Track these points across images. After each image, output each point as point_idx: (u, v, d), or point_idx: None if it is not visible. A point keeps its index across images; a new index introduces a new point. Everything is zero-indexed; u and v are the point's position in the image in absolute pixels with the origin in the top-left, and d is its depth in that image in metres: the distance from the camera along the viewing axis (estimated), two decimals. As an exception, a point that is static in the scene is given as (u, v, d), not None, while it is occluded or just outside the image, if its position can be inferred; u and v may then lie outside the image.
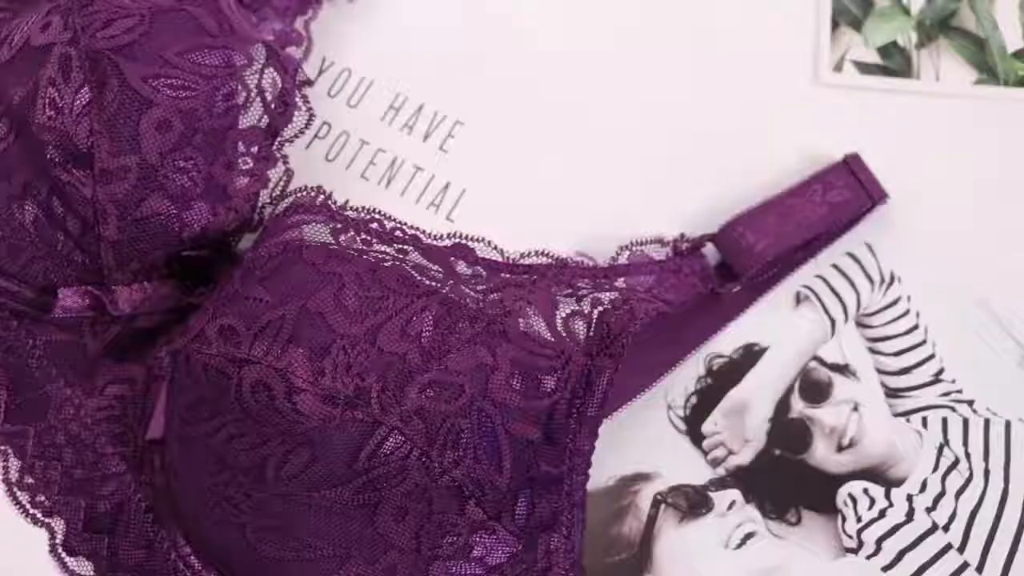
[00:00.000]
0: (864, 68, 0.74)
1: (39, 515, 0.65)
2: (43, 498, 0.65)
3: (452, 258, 0.61)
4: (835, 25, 0.75)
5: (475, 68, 0.73)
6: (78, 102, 0.57)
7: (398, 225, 0.62)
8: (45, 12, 0.60)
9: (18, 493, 0.65)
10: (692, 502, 0.64)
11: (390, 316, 0.55)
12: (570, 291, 0.60)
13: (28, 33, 0.60)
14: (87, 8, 0.59)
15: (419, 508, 0.54)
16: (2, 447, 0.66)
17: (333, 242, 0.60)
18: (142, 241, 0.60)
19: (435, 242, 0.62)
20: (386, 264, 0.58)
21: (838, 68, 0.74)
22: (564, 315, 0.58)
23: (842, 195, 0.68)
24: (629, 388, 0.65)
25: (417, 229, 0.62)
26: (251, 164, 0.65)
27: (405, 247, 0.61)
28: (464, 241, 0.62)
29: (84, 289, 0.62)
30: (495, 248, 0.63)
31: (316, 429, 0.53)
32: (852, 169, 0.69)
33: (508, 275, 0.61)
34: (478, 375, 0.55)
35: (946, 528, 0.64)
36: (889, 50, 0.74)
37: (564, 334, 0.57)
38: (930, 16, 0.75)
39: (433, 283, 0.58)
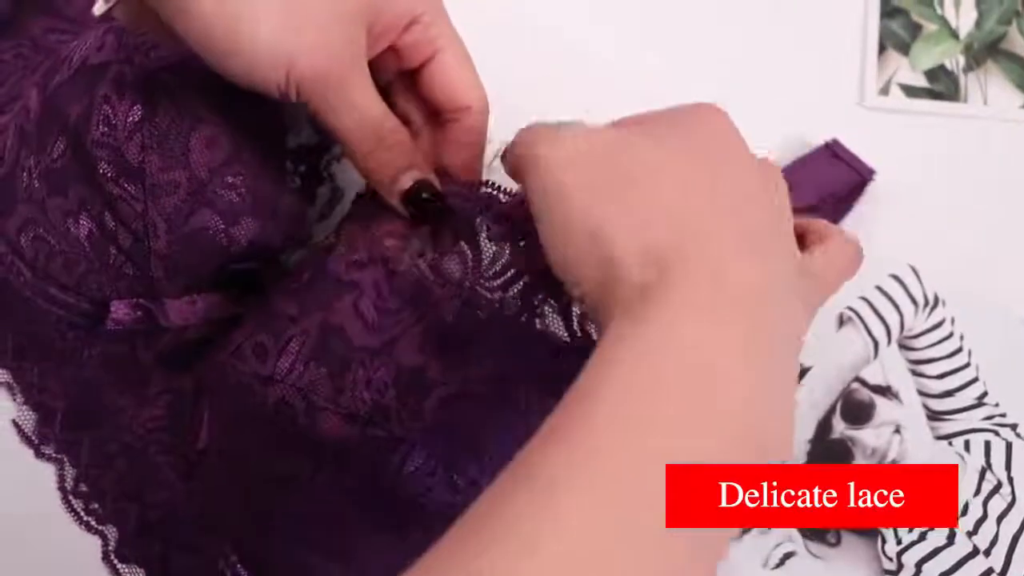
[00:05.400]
0: (911, 91, 0.74)
1: (93, 522, 0.66)
2: (97, 505, 0.67)
3: (479, 220, 0.58)
4: (882, 48, 0.75)
5: (522, 90, 0.74)
6: (131, 119, 0.58)
7: None
8: (102, 32, 0.62)
9: (73, 500, 0.67)
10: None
11: (406, 329, 0.55)
12: None
13: (86, 53, 0.61)
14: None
15: (448, 517, 0.54)
16: (58, 455, 0.67)
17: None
18: (191, 255, 0.60)
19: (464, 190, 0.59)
20: (402, 269, 0.57)
21: (885, 91, 0.74)
22: (579, 314, 0.57)
23: (828, 178, 0.68)
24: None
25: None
26: (299, 182, 0.66)
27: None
28: (491, 191, 0.59)
29: (136, 301, 0.62)
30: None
31: (339, 446, 0.53)
32: (834, 152, 0.70)
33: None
34: (497, 384, 0.55)
35: (987, 553, 0.64)
36: (936, 73, 0.74)
37: (579, 334, 0.56)
38: (978, 40, 0.75)
39: (451, 286, 0.57)
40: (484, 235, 0.57)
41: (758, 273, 0.45)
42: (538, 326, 0.56)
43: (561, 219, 0.47)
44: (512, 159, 0.52)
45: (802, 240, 0.52)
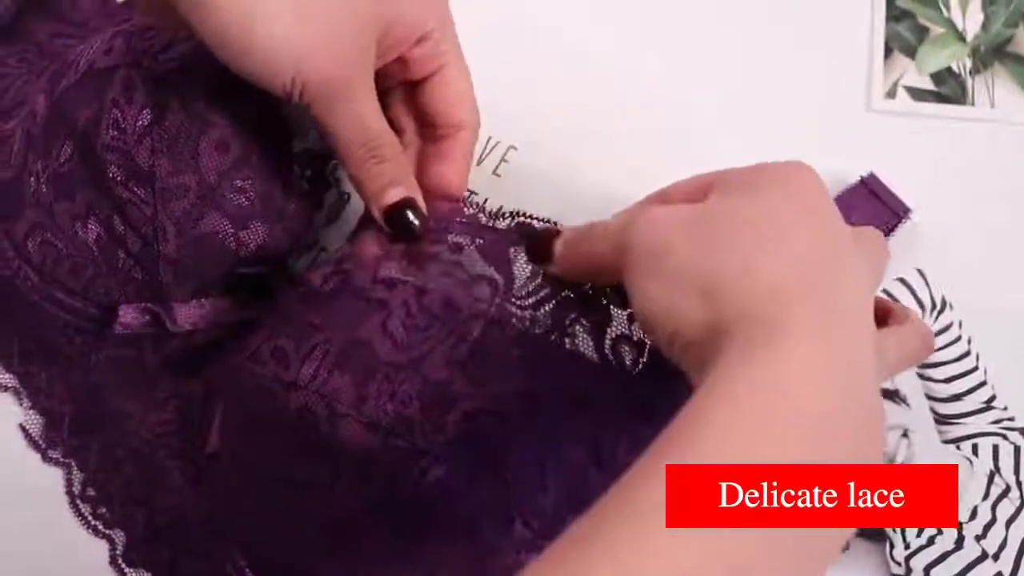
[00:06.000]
0: (917, 94, 0.74)
1: (100, 527, 0.67)
2: (104, 510, 0.67)
3: (512, 248, 0.59)
4: (888, 51, 0.75)
5: (528, 93, 0.74)
6: (140, 123, 0.59)
7: (455, 207, 0.61)
8: (109, 36, 0.62)
9: (80, 505, 0.67)
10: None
11: (434, 346, 0.55)
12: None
13: (93, 57, 0.61)
14: (149, 31, 0.61)
15: (466, 529, 0.54)
16: (66, 460, 0.68)
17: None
18: (200, 259, 0.61)
19: (496, 223, 0.60)
20: (431, 288, 0.57)
21: (891, 94, 0.74)
22: (613, 337, 0.57)
23: (864, 215, 0.68)
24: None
25: (476, 208, 0.61)
26: (306, 186, 0.66)
27: (460, 241, 0.59)
28: (526, 219, 0.60)
29: (144, 306, 0.63)
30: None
31: (359, 455, 0.53)
32: (871, 189, 0.69)
33: None
34: (522, 400, 0.55)
35: (996, 557, 0.64)
36: (943, 76, 0.74)
37: (611, 358, 0.56)
38: (985, 42, 0.75)
39: (480, 304, 0.57)
40: (519, 264, 0.58)
41: (850, 338, 0.46)
42: (568, 346, 0.57)
43: (668, 273, 0.48)
44: (609, 226, 0.54)
45: (878, 317, 0.52)
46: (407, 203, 0.58)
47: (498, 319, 0.56)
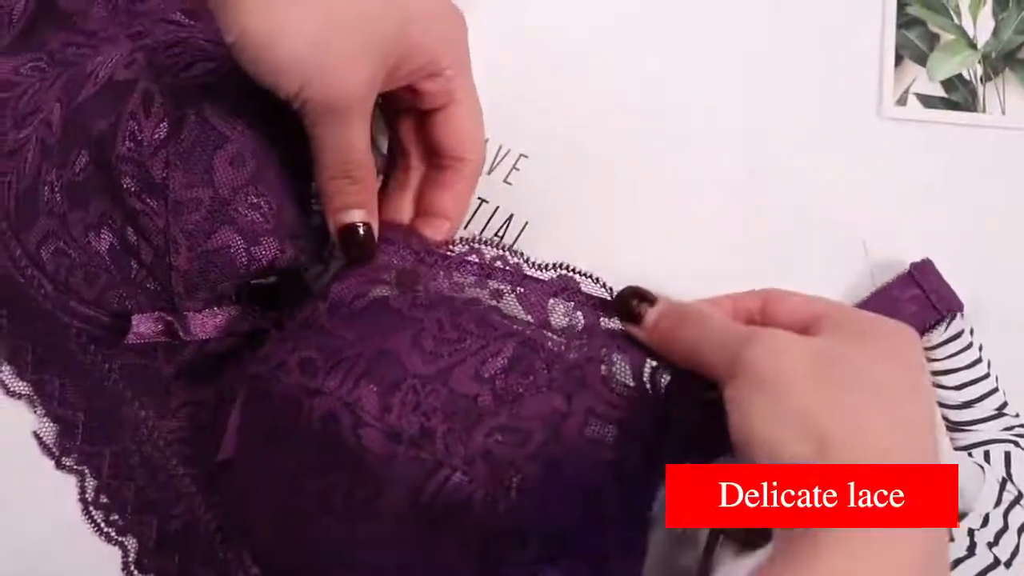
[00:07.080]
0: (928, 102, 0.74)
1: (113, 534, 0.67)
2: (117, 517, 0.67)
3: (552, 299, 0.61)
4: (899, 59, 0.75)
5: (540, 103, 0.74)
6: (156, 135, 0.59)
7: (500, 254, 0.63)
8: (130, 50, 0.62)
9: (94, 512, 0.67)
10: (750, 533, 0.64)
11: (464, 358, 0.55)
12: None
13: (112, 69, 0.62)
14: (172, 49, 0.62)
15: (481, 542, 0.54)
16: (80, 467, 0.68)
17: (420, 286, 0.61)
18: (211, 272, 0.61)
19: (539, 273, 0.62)
20: (469, 309, 0.59)
21: (902, 102, 0.74)
22: (653, 366, 0.58)
23: (908, 308, 0.68)
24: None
25: (520, 256, 0.62)
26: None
27: (501, 288, 0.61)
28: (569, 273, 0.62)
29: (157, 315, 0.63)
30: (602, 285, 0.62)
31: (380, 464, 0.53)
32: (917, 281, 0.68)
33: (607, 319, 0.61)
34: (550, 421, 0.55)
35: (1008, 564, 0.64)
36: (954, 83, 0.74)
37: (648, 385, 0.57)
38: (996, 49, 0.75)
39: (515, 326, 0.58)
40: (556, 315, 0.60)
41: None
42: (603, 371, 0.57)
43: (782, 407, 0.49)
44: (720, 328, 0.55)
45: None
46: (364, 227, 0.61)
47: (532, 339, 0.57)
